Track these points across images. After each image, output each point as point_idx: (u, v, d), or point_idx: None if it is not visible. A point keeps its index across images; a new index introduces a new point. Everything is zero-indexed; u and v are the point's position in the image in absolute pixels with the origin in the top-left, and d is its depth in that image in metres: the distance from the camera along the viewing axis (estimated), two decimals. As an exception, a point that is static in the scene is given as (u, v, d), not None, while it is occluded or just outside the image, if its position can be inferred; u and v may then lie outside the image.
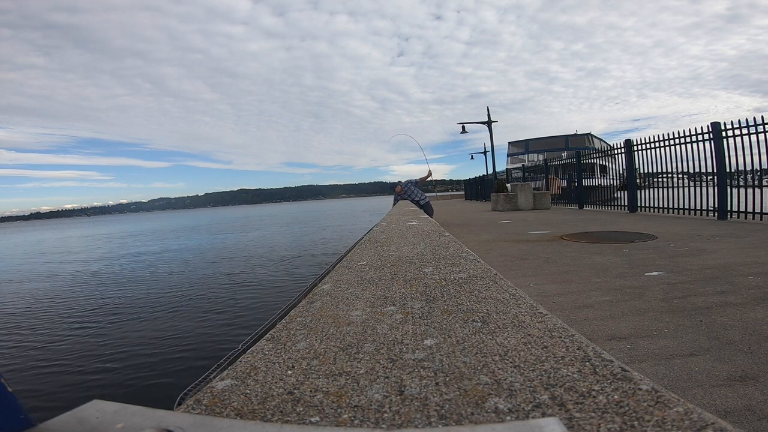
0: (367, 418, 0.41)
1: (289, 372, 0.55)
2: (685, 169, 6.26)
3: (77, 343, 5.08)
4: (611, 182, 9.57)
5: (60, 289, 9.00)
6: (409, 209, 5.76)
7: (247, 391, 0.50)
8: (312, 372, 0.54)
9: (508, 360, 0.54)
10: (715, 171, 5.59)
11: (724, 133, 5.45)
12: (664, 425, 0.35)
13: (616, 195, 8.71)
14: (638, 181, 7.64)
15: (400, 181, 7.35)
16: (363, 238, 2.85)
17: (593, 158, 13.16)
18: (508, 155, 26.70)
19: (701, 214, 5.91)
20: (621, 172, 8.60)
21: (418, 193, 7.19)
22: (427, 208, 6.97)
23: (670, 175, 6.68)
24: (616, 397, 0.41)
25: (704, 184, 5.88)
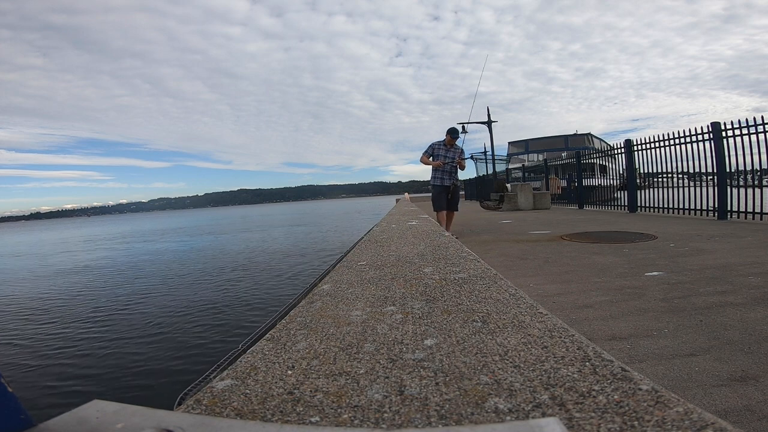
0: (367, 418, 0.41)
1: (289, 372, 0.55)
2: (685, 169, 6.26)
3: (77, 343, 5.08)
4: (611, 182, 9.57)
5: (59, 290, 9.00)
6: (409, 209, 5.75)
7: (247, 391, 0.50)
8: (312, 372, 0.54)
9: (508, 360, 0.54)
10: (715, 171, 5.59)
11: (723, 133, 5.45)
12: (664, 425, 0.35)
13: (616, 195, 8.70)
14: (638, 181, 7.64)
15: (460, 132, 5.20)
16: (363, 238, 2.85)
17: (593, 158, 13.16)
18: (508, 155, 26.70)
19: (701, 214, 5.90)
20: (621, 172, 8.60)
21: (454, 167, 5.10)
22: (456, 195, 5.09)
23: (670, 175, 6.68)
24: (616, 397, 0.41)
25: (704, 184, 5.87)
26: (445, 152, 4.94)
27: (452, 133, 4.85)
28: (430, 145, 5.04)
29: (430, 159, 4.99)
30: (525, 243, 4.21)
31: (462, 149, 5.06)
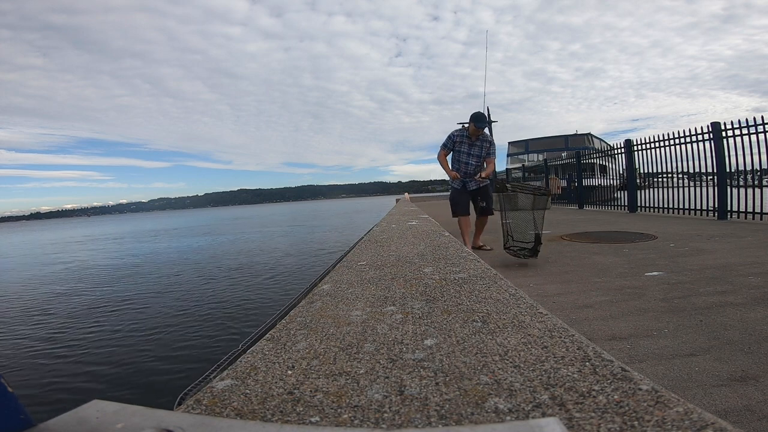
0: (367, 418, 0.41)
1: (289, 372, 0.55)
2: (685, 169, 6.26)
3: (77, 343, 5.08)
4: (611, 182, 9.57)
5: (59, 290, 9.00)
6: (409, 209, 5.75)
7: (247, 391, 0.50)
8: (312, 372, 0.54)
9: (508, 360, 0.54)
10: (715, 171, 5.59)
11: (724, 133, 5.45)
12: (664, 425, 0.35)
13: (616, 195, 8.71)
14: (638, 181, 7.64)
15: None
16: (363, 238, 2.85)
17: (593, 158, 13.16)
18: (507, 155, 26.69)
19: (701, 214, 5.91)
20: (621, 172, 8.60)
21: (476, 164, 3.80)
22: (487, 196, 3.84)
23: (670, 175, 6.68)
24: (616, 397, 0.41)
25: (704, 184, 5.87)
26: (468, 147, 3.72)
27: (477, 120, 3.59)
28: (449, 137, 3.81)
29: (449, 158, 3.87)
30: (525, 243, 4.21)
31: (491, 141, 3.76)
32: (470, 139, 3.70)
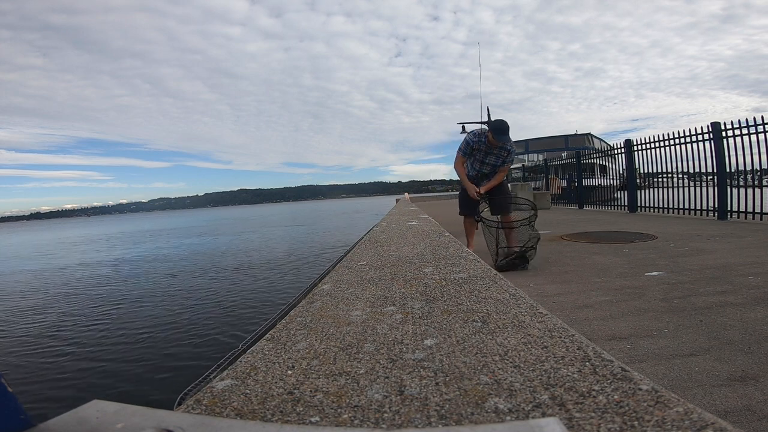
0: (367, 418, 0.41)
1: (289, 372, 0.55)
2: (685, 169, 6.26)
3: (77, 342, 5.08)
4: (611, 182, 9.58)
5: (59, 290, 9.00)
6: (409, 209, 5.74)
7: (247, 391, 0.50)
8: (312, 372, 0.54)
9: (508, 360, 0.54)
10: (715, 171, 5.59)
11: (723, 133, 5.45)
12: (664, 425, 0.35)
13: (616, 195, 8.71)
14: (638, 181, 7.64)
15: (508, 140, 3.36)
16: (363, 238, 2.85)
17: (593, 158, 13.17)
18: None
19: (701, 214, 5.91)
20: (621, 172, 8.60)
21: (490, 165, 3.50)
22: (503, 194, 3.54)
23: (670, 175, 6.68)
24: (616, 397, 0.41)
25: (704, 184, 5.87)
26: (484, 155, 3.45)
27: (497, 131, 3.26)
28: (467, 142, 3.49)
29: (465, 166, 3.60)
30: (525, 243, 4.20)
31: (510, 150, 3.43)
32: (488, 147, 3.43)
